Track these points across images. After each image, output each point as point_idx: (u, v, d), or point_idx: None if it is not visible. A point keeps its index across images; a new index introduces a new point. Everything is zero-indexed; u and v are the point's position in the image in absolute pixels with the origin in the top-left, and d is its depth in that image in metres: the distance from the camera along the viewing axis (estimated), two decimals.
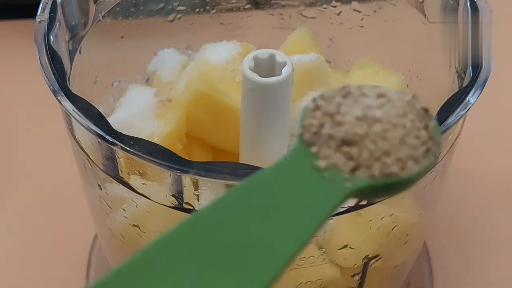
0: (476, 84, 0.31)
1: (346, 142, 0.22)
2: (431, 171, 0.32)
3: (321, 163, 0.22)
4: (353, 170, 0.22)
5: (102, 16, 0.37)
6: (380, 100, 0.23)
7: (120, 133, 0.29)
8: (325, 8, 0.42)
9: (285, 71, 0.33)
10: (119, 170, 0.31)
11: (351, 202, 0.30)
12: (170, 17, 0.41)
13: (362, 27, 0.41)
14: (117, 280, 0.19)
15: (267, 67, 0.33)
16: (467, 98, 0.30)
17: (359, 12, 0.41)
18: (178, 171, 0.28)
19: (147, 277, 0.19)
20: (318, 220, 0.21)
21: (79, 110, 0.30)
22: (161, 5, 0.40)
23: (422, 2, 0.37)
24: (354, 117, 0.22)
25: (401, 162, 0.22)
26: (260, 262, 0.20)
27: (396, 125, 0.22)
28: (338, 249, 0.33)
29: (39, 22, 0.33)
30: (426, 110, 0.23)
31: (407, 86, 0.39)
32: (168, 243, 0.20)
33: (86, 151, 0.32)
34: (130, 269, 0.19)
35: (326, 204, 0.21)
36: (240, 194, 0.21)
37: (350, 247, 0.33)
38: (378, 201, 0.31)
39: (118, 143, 0.29)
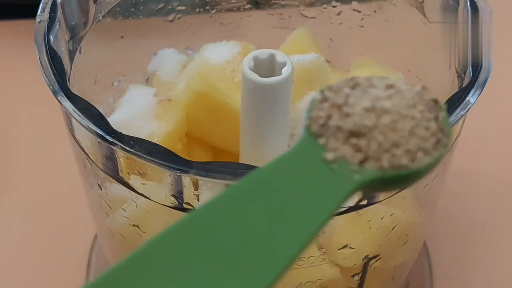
0: (476, 84, 0.31)
1: (354, 133, 0.22)
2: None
3: (329, 155, 0.22)
4: (362, 162, 0.21)
5: (102, 16, 0.37)
6: (389, 91, 0.22)
7: (120, 133, 0.29)
8: (325, 8, 0.42)
9: (285, 71, 0.33)
10: (119, 170, 0.31)
11: (351, 202, 0.30)
12: (170, 17, 0.41)
13: (362, 27, 0.41)
14: (113, 279, 0.19)
15: (267, 67, 0.33)
16: (467, 98, 0.30)
17: (359, 12, 0.41)
18: (178, 171, 0.28)
19: (146, 275, 0.19)
20: (326, 213, 0.20)
21: (79, 110, 0.30)
22: (161, 5, 0.40)
23: (422, 2, 0.37)
24: (363, 108, 0.22)
25: (411, 154, 0.22)
26: (267, 255, 0.19)
27: (405, 116, 0.22)
28: (338, 249, 0.33)
29: (39, 22, 0.33)
30: (435, 101, 0.23)
31: None
32: (170, 237, 0.20)
33: (86, 151, 0.32)
34: (128, 267, 0.19)
35: (334, 197, 0.21)
36: (246, 187, 0.21)
37: (350, 247, 0.33)
38: (379, 201, 0.31)
39: (118, 143, 0.29)
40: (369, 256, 0.34)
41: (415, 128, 0.22)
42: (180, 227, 0.20)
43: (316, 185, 0.21)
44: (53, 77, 0.31)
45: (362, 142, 0.21)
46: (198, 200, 0.30)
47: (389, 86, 0.23)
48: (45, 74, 0.31)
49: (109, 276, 0.19)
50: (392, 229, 0.34)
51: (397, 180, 0.22)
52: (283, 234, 0.20)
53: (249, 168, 0.27)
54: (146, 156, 0.28)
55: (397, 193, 0.31)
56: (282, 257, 0.19)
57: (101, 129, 0.29)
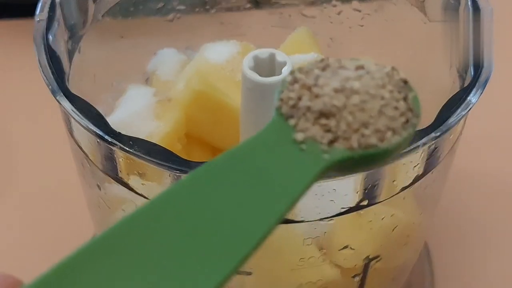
0: (477, 84, 0.31)
1: (324, 114, 0.22)
2: (431, 171, 0.32)
3: (299, 136, 0.22)
4: (331, 142, 0.22)
5: (102, 16, 0.37)
6: (358, 72, 0.23)
7: (119, 133, 0.29)
8: (325, 7, 0.41)
9: (285, 70, 0.32)
10: (118, 170, 0.31)
11: (352, 202, 0.30)
12: (170, 17, 0.41)
13: (362, 26, 0.41)
14: (75, 264, 0.19)
15: (267, 66, 0.33)
16: (468, 98, 0.30)
17: (359, 11, 0.41)
18: (178, 171, 0.28)
19: (108, 263, 0.19)
20: (296, 192, 0.21)
21: (78, 110, 0.29)
22: (161, 4, 0.40)
23: (423, 1, 0.37)
24: (332, 89, 0.22)
25: (380, 133, 0.22)
26: (235, 237, 0.19)
27: (375, 96, 0.22)
28: (339, 250, 0.33)
29: (38, 21, 0.33)
30: (405, 82, 0.23)
31: None
32: (136, 221, 0.20)
33: (85, 151, 0.32)
34: (84, 257, 0.19)
35: (304, 177, 0.21)
36: (216, 168, 0.21)
37: (351, 248, 0.33)
38: (380, 201, 0.31)
39: (117, 143, 0.29)
40: (370, 257, 0.34)
41: (384, 108, 0.22)
42: (147, 209, 0.20)
43: (287, 166, 0.21)
44: (52, 76, 0.31)
45: (331, 123, 0.22)
46: None
47: (359, 67, 0.23)
48: (44, 73, 0.31)
49: (74, 258, 0.19)
50: (393, 230, 0.34)
51: (367, 159, 0.22)
52: (252, 214, 0.20)
53: None
54: (145, 156, 0.28)
55: (397, 193, 0.31)
56: (249, 238, 0.19)
57: (100, 129, 0.29)
